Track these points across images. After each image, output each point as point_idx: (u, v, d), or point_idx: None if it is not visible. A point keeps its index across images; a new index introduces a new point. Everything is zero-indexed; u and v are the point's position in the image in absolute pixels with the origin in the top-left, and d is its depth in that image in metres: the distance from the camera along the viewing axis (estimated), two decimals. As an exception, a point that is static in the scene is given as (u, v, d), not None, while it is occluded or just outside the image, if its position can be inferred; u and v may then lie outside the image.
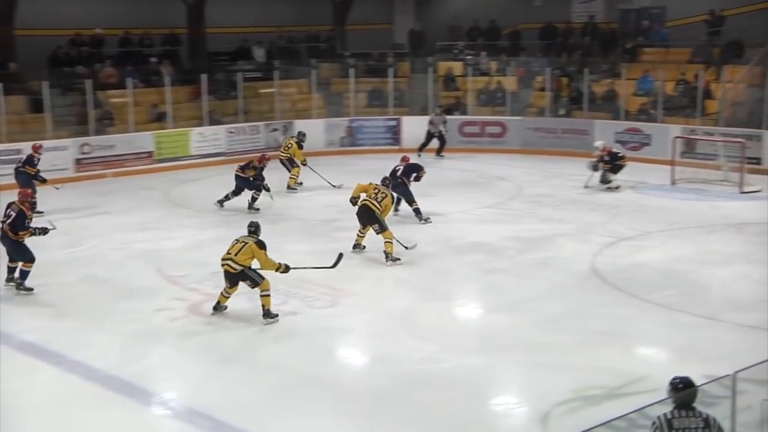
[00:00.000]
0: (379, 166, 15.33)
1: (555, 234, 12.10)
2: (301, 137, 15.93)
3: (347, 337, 8.49)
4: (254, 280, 8.67)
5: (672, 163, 15.96)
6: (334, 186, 15.12)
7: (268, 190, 13.92)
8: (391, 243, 10.69)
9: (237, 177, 13.88)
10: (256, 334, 8.41)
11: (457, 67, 22.00)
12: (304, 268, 9.33)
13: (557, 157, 18.76)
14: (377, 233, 10.76)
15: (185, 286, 9.86)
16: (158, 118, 18.55)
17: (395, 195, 12.02)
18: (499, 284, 9.97)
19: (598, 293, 9.50)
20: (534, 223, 12.66)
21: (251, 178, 13.84)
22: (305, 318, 8.82)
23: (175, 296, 9.50)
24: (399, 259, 10.68)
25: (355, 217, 10.98)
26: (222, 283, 8.79)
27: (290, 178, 15.45)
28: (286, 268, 8.79)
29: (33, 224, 9.71)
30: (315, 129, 19.57)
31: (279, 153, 15.93)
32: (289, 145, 15.72)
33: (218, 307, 8.92)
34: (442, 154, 18.96)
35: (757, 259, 10.64)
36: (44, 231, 9.82)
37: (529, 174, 16.82)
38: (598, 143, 15.85)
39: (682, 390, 3.97)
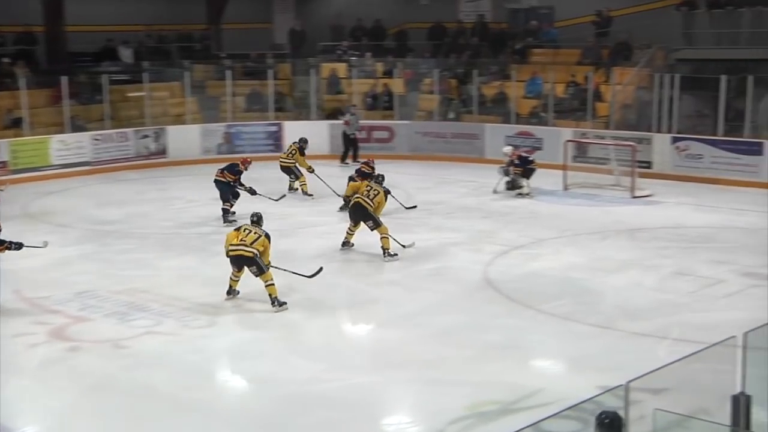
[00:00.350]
0: (259, 175, 15.22)
1: (447, 243, 12.28)
2: (302, 143, 15.97)
3: (227, 358, 8.37)
4: (261, 268, 9.42)
5: (564, 167, 16.48)
6: (340, 196, 14.38)
7: (253, 193, 13.94)
8: (388, 239, 11.31)
9: (216, 182, 13.79)
10: (127, 357, 8.18)
11: (341, 68, 22.09)
12: (284, 270, 9.77)
13: (447, 163, 19.08)
14: (371, 230, 11.36)
15: (47, 308, 9.50)
16: (13, 125, 17.85)
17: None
18: (389, 297, 10.04)
19: (491, 304, 9.69)
20: (425, 232, 12.82)
21: (231, 183, 13.68)
22: (180, 339, 8.65)
23: (36, 320, 9.13)
24: (396, 255, 11.26)
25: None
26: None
27: (302, 185, 15.65)
28: (269, 265, 9.48)
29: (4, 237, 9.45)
30: (189, 135, 19.28)
31: (281, 159, 16.04)
32: (293, 152, 15.82)
33: (231, 292, 9.72)
34: (347, 161, 19.08)
35: (649, 266, 11.09)
36: (19, 246, 9.59)
37: (419, 180, 17.04)
38: (507, 149, 16.23)
39: (608, 426, 4.05)
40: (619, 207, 14.89)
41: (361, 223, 11.47)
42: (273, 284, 9.42)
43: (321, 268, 10.21)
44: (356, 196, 11.67)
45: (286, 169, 15.86)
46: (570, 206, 14.83)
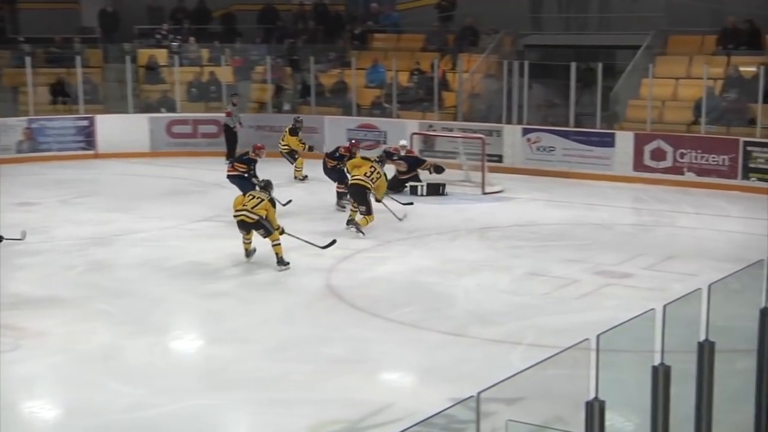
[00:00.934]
0: (70, 176, 14.71)
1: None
2: (295, 123, 16.83)
3: (34, 386, 8.02)
4: (268, 229, 11.06)
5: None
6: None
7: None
8: (366, 220, 12.78)
9: (230, 177, 14.07)
10: None
11: (161, 55, 21.65)
12: (297, 237, 11.35)
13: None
14: (362, 214, 12.74)
15: None
16: None
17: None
18: (221, 310, 9.91)
19: (334, 314, 9.73)
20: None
21: (246, 175, 13.77)
22: (-23, 369, 8.22)
23: None
24: (363, 234, 12.63)
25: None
26: None
27: (295, 170, 16.43)
28: (282, 231, 11.13)
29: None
30: (-17, 131, 18.39)
31: (280, 146, 16.78)
32: (283, 135, 16.51)
33: (249, 254, 11.38)
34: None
35: (502, 267, 11.45)
36: None
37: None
38: (403, 142, 16.36)
39: None
40: (469, 204, 15.30)
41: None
42: (279, 244, 11.11)
43: (334, 240, 11.61)
44: (356, 176, 12.87)
45: (286, 156, 16.68)
46: (417, 204, 15.10)
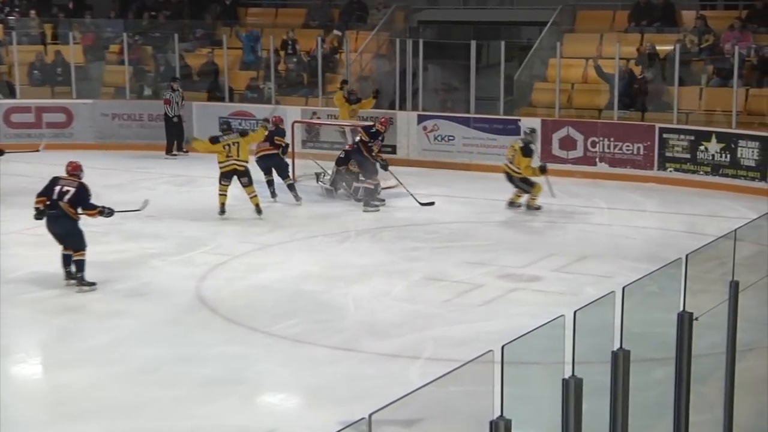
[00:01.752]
0: None
1: (147, 255, 12.10)
2: (343, 84, 17.81)
3: None
4: (251, 178, 13.99)
5: (292, 154, 16.73)
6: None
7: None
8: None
9: (261, 159, 15.23)
10: None
11: (-4, 31, 21.12)
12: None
13: (145, 152, 18.80)
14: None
15: None
16: None
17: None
18: (74, 327, 9.75)
19: (207, 329, 9.66)
20: (118, 242, 12.55)
21: (281, 153, 15.29)
22: None
23: None
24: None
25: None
26: None
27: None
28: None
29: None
30: None
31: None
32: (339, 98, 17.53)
33: (224, 210, 14.10)
34: (174, 152, 18.38)
35: (397, 272, 11.55)
36: (111, 212, 11.06)
37: (108, 176, 16.62)
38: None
39: None
40: (360, 202, 15.36)
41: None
42: (257, 196, 14.04)
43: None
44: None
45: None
46: (300, 201, 15.09)
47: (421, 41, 18.48)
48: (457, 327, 9.70)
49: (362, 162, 14.93)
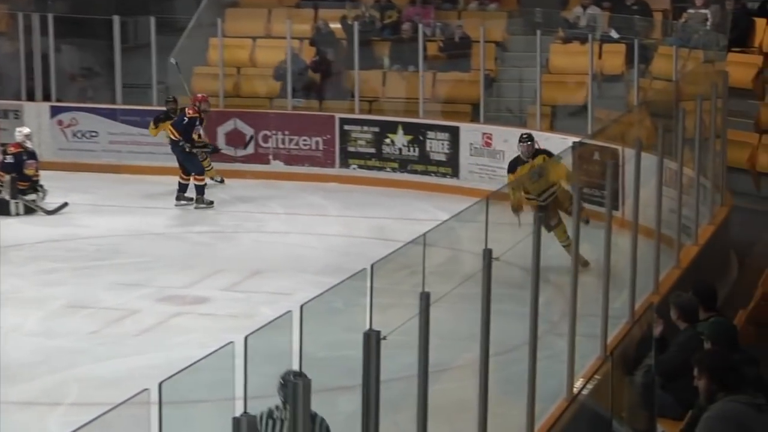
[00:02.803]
0: None
1: None
2: None
3: None
4: None
5: None
6: None
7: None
8: None
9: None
10: None
11: None
12: None
13: None
14: None
15: None
16: None
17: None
18: None
19: None
20: None
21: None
22: None
23: None
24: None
25: None
26: None
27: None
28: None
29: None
30: None
31: None
32: None
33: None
34: None
35: (30, 300, 11.27)
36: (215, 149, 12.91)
37: None
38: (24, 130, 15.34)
39: None
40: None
41: None
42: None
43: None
44: None
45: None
46: None
47: (50, 16, 17.98)
48: (108, 363, 9.57)
49: (185, 158, 15.32)
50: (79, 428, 3.72)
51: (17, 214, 14.95)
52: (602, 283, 8.43)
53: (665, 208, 10.28)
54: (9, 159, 15.25)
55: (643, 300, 9.25)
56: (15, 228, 14.22)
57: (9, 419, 8.44)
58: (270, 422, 5.91)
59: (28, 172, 15.25)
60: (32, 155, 15.43)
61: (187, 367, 4.09)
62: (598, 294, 8.39)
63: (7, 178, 15.07)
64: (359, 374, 5.27)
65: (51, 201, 15.07)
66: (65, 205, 14.98)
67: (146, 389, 3.89)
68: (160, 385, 3.82)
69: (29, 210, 15.03)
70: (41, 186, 15.31)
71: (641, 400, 6.86)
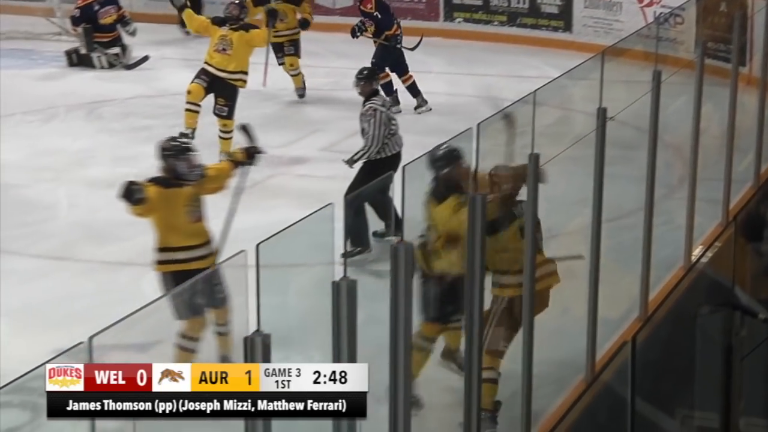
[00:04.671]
0: None
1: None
2: None
3: None
4: None
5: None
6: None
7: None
8: None
9: None
10: None
11: None
12: None
13: None
14: None
15: None
16: None
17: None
18: None
19: None
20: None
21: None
22: None
23: None
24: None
25: None
26: None
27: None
28: None
29: None
30: None
31: None
32: None
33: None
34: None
35: (122, 157, 11.37)
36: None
37: None
38: None
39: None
40: (60, 68, 15.05)
41: None
42: None
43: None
44: None
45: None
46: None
47: None
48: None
49: None
50: (177, 288, 3.79)
51: (102, 68, 15.09)
52: (725, 145, 8.29)
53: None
54: (75, 12, 15.36)
55: (771, 163, 9.11)
56: (105, 83, 14.39)
57: (100, 278, 8.66)
58: None
59: (105, 21, 15.29)
60: (109, 1, 15.47)
61: (284, 229, 4.11)
62: (721, 156, 8.26)
63: (79, 29, 15.17)
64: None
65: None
66: (146, 58, 15.06)
67: (243, 251, 3.93)
68: (257, 246, 3.84)
69: (112, 65, 15.16)
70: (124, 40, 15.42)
71: (766, 269, 6.81)
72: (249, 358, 3.65)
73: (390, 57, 13.41)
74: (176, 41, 16.53)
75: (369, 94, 9.42)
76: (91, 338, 3.11)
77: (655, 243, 6.89)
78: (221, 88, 11.47)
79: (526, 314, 5.52)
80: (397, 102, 12.89)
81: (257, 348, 3.65)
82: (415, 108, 13.27)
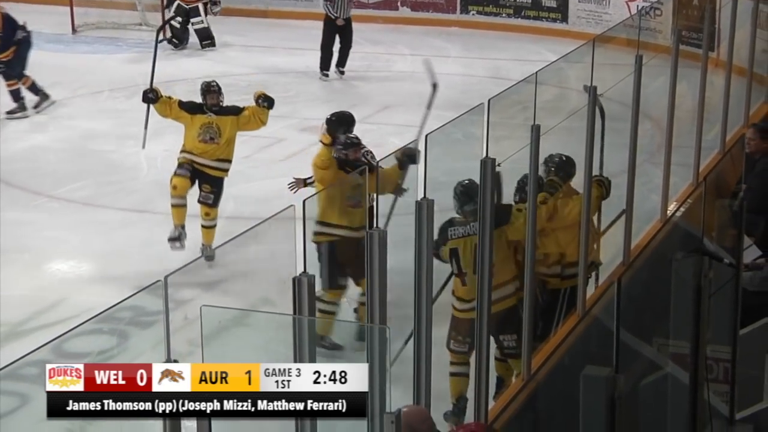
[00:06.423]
0: None
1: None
2: None
3: None
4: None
5: (70, 2, 16.08)
6: None
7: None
8: None
9: None
10: None
11: None
12: None
13: None
14: None
15: None
16: None
17: None
18: None
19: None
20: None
21: None
22: None
23: None
24: None
25: None
26: None
27: None
28: None
29: None
30: None
31: None
32: None
33: None
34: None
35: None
36: None
37: None
38: None
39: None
40: (146, 52, 14.97)
41: None
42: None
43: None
44: None
45: None
46: (82, 55, 14.59)
47: None
48: (258, 183, 9.73)
49: None
50: (235, 237, 3.79)
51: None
52: (697, 117, 8.24)
53: (758, 49, 9.91)
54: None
55: (734, 132, 9.04)
56: (177, 63, 14.38)
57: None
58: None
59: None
60: None
61: (326, 188, 4.12)
62: (693, 127, 8.21)
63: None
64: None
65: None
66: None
67: (291, 205, 3.92)
68: (303, 202, 3.85)
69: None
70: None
71: (730, 222, 6.75)
72: (297, 294, 3.64)
73: None
74: (238, 30, 16.49)
75: None
76: (166, 277, 3.11)
77: (637, 200, 6.87)
78: (208, 177, 8.81)
79: (527, 314, 5.51)
80: None
81: (303, 286, 3.65)
82: None
